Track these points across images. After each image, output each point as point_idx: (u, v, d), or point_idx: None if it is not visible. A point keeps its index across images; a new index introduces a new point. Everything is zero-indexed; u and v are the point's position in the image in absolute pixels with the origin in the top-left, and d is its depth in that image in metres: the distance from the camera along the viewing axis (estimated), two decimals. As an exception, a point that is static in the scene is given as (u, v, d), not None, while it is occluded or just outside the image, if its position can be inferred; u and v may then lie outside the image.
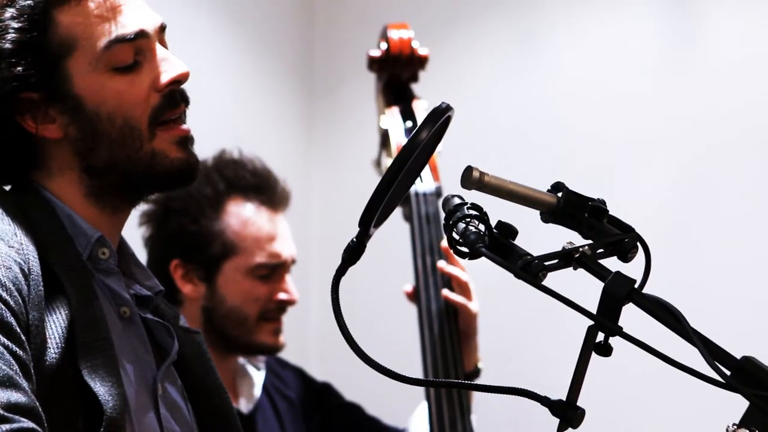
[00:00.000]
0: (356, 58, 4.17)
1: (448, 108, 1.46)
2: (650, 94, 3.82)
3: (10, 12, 1.74)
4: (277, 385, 2.90)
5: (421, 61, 2.82)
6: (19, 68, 1.72)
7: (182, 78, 1.79)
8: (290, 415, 2.88)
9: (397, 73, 2.83)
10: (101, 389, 1.63)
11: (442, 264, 2.61)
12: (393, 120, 2.79)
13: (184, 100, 1.80)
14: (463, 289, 2.60)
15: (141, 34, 1.77)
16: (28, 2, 1.74)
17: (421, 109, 2.82)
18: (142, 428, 1.73)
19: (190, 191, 2.74)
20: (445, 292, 2.59)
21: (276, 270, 2.81)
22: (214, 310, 2.77)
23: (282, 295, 2.81)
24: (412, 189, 2.67)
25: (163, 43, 1.82)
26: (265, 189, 2.84)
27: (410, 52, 2.81)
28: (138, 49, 1.77)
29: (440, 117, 1.45)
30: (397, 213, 2.70)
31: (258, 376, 2.87)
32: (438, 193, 2.69)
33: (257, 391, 2.85)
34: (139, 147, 1.77)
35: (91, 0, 1.76)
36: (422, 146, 1.44)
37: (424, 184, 2.70)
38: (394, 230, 2.79)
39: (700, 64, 3.76)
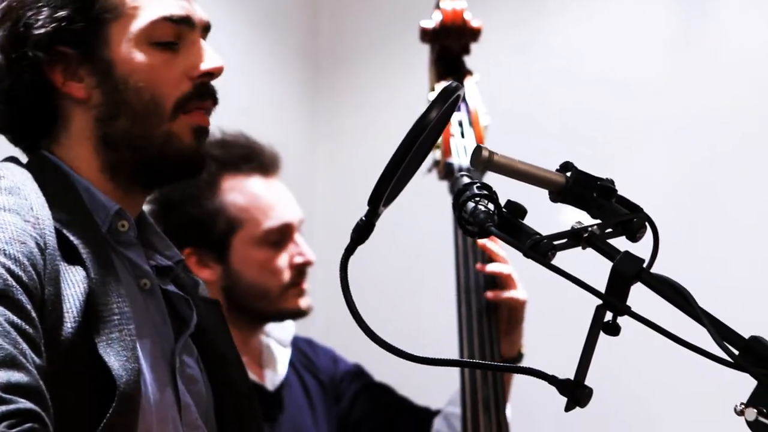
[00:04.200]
0: (362, 36, 4.17)
1: (458, 87, 1.46)
2: (661, 77, 3.77)
3: None
4: (306, 365, 2.89)
5: (473, 33, 2.77)
6: (63, 13, 1.75)
7: (216, 71, 1.83)
8: (320, 394, 2.86)
9: (448, 45, 2.77)
10: (115, 363, 1.63)
11: (480, 265, 2.59)
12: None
13: (212, 97, 1.84)
14: (507, 281, 2.59)
15: (186, 20, 1.81)
16: None
17: (473, 85, 2.75)
18: (158, 402, 1.74)
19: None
20: (490, 294, 2.58)
21: (285, 234, 2.79)
22: (233, 288, 2.76)
23: (298, 259, 2.80)
24: (457, 163, 2.64)
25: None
26: (254, 157, 2.83)
27: (462, 22, 2.76)
28: (180, 33, 1.81)
29: (450, 96, 1.45)
30: (442, 186, 2.68)
31: (283, 353, 2.86)
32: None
33: (283, 368, 2.83)
34: (158, 125, 1.79)
35: None
36: (432, 125, 1.44)
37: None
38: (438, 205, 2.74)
39: (713, 50, 3.68)
